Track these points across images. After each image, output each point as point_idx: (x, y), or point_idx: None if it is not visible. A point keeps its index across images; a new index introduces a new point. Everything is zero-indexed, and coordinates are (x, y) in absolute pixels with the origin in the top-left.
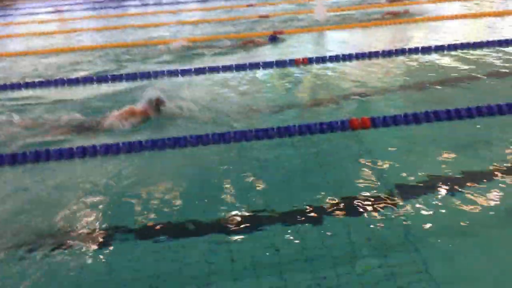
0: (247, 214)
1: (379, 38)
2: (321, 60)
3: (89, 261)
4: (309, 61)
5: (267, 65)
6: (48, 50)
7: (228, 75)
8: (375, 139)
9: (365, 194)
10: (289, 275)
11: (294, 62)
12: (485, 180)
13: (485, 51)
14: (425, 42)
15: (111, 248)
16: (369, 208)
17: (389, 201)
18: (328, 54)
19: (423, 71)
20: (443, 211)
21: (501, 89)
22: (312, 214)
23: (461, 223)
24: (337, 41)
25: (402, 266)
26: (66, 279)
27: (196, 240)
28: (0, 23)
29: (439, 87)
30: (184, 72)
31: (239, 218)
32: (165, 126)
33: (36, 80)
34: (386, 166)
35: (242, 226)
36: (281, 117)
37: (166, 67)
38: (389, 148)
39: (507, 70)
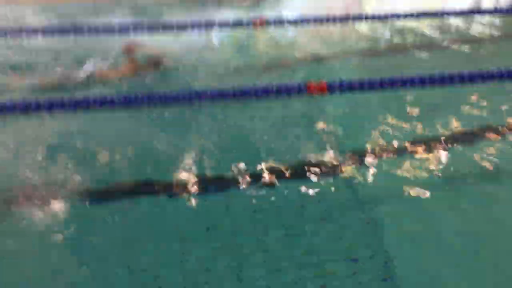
0: (197, 176)
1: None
2: (279, 22)
3: None
4: (267, 22)
5: (223, 24)
6: None
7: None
8: (330, 104)
9: (317, 158)
10: (239, 238)
11: (251, 24)
12: (434, 146)
13: (441, 19)
14: (382, 8)
15: None
16: (320, 172)
17: (340, 166)
18: (285, 16)
19: (379, 38)
20: (392, 175)
21: (454, 58)
22: (264, 176)
23: (408, 187)
24: (296, 4)
25: (351, 227)
26: None
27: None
28: None
29: (394, 54)
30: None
31: (191, 179)
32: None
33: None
34: (338, 131)
35: (191, 188)
36: (238, 79)
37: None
38: (343, 114)
39: (460, 39)
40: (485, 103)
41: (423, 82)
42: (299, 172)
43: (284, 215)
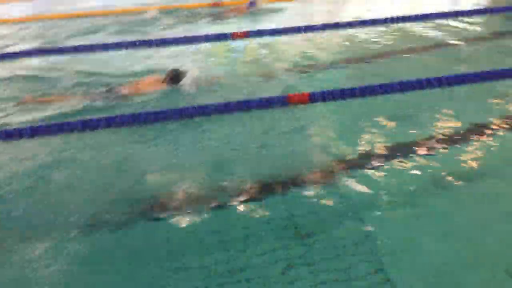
0: (180, 191)
1: (318, 12)
2: (259, 33)
3: None
4: (247, 35)
5: (207, 38)
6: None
7: (172, 48)
8: (314, 113)
9: (306, 169)
10: (233, 252)
11: (231, 36)
12: (419, 150)
13: (418, 24)
14: (361, 16)
15: None
16: (310, 182)
17: (328, 175)
18: (266, 27)
19: (359, 45)
20: (380, 181)
21: (431, 62)
22: (252, 190)
23: (398, 192)
24: (276, 15)
25: (345, 238)
26: None
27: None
28: None
29: (375, 60)
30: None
31: (178, 196)
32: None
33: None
34: (324, 140)
35: (179, 204)
36: (220, 93)
37: None
38: (328, 122)
39: (437, 44)
40: (467, 105)
41: (402, 87)
42: (288, 184)
43: (275, 227)
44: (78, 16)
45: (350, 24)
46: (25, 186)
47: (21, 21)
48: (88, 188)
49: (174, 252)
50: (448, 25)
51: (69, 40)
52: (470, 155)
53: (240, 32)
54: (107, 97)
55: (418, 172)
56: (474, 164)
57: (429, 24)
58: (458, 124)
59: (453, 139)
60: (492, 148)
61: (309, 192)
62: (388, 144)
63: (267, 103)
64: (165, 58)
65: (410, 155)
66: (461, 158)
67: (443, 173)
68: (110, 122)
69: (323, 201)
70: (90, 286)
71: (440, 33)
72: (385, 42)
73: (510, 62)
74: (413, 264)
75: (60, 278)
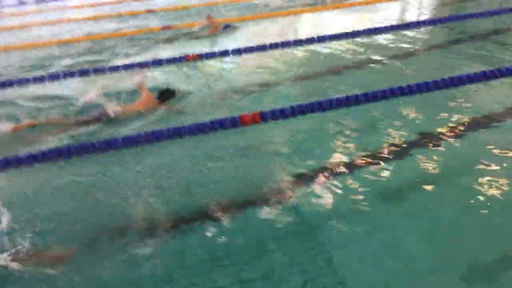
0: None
1: (268, 31)
2: (211, 55)
3: None
4: (200, 57)
5: (157, 62)
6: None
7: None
8: (268, 131)
9: (260, 189)
10: (195, 274)
11: (185, 59)
12: (371, 162)
13: (367, 39)
14: (310, 33)
15: None
16: (265, 201)
17: (283, 193)
18: (219, 49)
19: (310, 62)
20: (333, 194)
21: (384, 75)
22: (208, 212)
23: (352, 205)
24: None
25: (302, 253)
26: None
27: None
28: None
29: (327, 76)
30: None
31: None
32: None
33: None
34: (278, 158)
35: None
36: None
37: None
38: (280, 140)
39: (385, 58)
40: (418, 114)
41: (349, 101)
42: (246, 204)
43: (233, 247)
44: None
45: (302, 42)
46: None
47: None
48: None
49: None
50: (396, 38)
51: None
52: (420, 165)
53: (193, 55)
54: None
55: (369, 185)
56: (423, 173)
57: (378, 37)
58: (410, 134)
59: (407, 149)
60: (438, 157)
61: (265, 210)
62: (340, 159)
63: (219, 125)
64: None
65: (362, 168)
66: (410, 168)
67: (395, 184)
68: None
69: (279, 219)
70: None
71: (389, 45)
72: (335, 57)
73: (458, 71)
74: (369, 274)
75: None
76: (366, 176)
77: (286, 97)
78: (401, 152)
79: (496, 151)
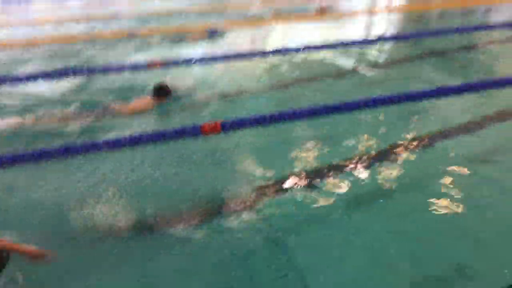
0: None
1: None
2: (174, 63)
3: None
4: (162, 65)
5: (119, 68)
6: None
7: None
8: (231, 139)
9: (225, 198)
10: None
11: (146, 67)
12: (335, 172)
13: (331, 52)
14: (279, 44)
15: None
16: (231, 212)
17: (248, 203)
18: (181, 57)
19: (278, 72)
20: (299, 205)
21: (341, 87)
22: (170, 223)
23: (318, 214)
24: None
25: (268, 265)
26: None
27: None
28: None
29: (291, 89)
30: None
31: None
32: None
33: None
34: (241, 168)
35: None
36: (136, 123)
37: None
38: (242, 150)
39: (349, 70)
40: (382, 126)
41: (311, 113)
42: (212, 213)
43: (199, 259)
44: None
45: (267, 53)
46: None
47: None
48: None
49: None
50: (362, 52)
51: None
52: (383, 175)
53: (155, 61)
54: None
55: (334, 194)
56: (390, 182)
57: (343, 51)
58: (374, 145)
59: (370, 160)
60: (401, 168)
61: (230, 220)
62: (303, 168)
63: (180, 134)
64: None
65: (327, 177)
66: (378, 177)
67: (360, 193)
68: None
69: (245, 229)
70: None
71: (353, 59)
72: (305, 68)
73: (419, 85)
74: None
75: None
76: (328, 186)
77: (253, 107)
78: (364, 162)
79: (459, 161)
